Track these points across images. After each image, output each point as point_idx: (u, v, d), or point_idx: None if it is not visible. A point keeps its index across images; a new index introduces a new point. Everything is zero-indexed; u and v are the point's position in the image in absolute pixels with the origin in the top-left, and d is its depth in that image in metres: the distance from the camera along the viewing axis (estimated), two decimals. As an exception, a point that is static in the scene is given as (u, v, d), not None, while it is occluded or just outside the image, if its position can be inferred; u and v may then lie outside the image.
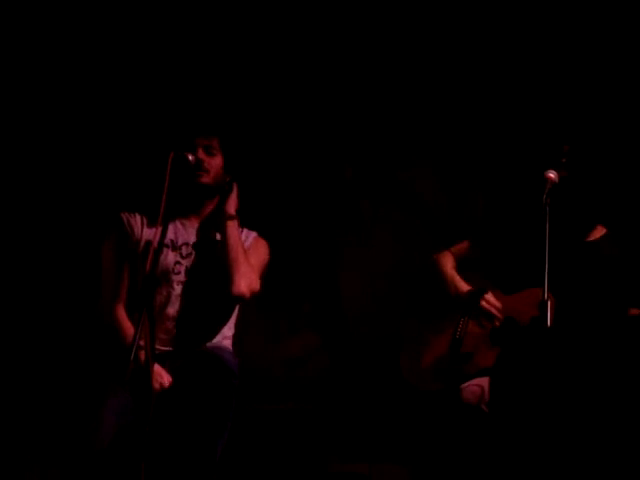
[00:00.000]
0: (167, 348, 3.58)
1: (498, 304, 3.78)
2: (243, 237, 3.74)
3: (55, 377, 4.49)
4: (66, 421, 4.21)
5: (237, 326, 3.76)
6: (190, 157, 3.46)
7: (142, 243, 3.64)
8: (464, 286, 3.85)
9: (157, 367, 3.41)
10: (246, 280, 3.58)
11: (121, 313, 3.59)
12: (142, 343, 3.22)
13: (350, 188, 4.81)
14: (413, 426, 4.32)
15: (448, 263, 3.93)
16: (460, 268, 3.93)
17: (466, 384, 3.61)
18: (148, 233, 3.64)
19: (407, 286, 4.22)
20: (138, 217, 3.68)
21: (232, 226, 3.61)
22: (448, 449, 3.68)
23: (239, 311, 3.77)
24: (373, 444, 4.52)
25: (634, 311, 3.67)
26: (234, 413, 3.40)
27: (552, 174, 3.55)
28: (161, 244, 3.31)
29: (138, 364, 3.40)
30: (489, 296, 3.80)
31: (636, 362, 3.43)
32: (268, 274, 4.60)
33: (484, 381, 3.58)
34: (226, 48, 4.71)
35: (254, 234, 3.83)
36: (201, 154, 3.60)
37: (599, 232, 3.83)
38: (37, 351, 4.54)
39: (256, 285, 3.63)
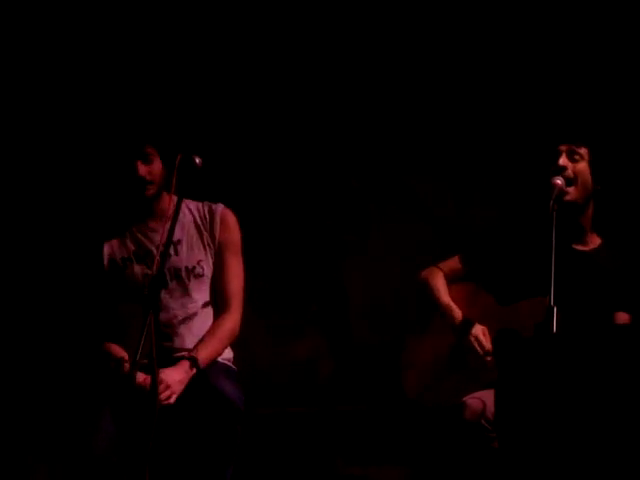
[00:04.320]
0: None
1: (484, 339, 3.68)
2: (206, 216, 3.65)
3: (59, 382, 4.48)
4: (68, 425, 4.21)
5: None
6: (197, 160, 3.38)
7: (106, 261, 3.59)
8: (458, 315, 3.75)
9: (170, 379, 3.38)
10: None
11: (108, 346, 3.54)
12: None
13: (356, 193, 4.81)
14: (417, 430, 4.31)
15: (439, 283, 3.83)
16: (450, 282, 3.85)
17: (469, 397, 3.53)
18: (108, 249, 3.60)
19: (408, 297, 4.19)
20: (97, 239, 3.61)
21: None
22: (450, 457, 3.64)
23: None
24: (378, 447, 4.51)
25: (621, 315, 3.63)
26: (238, 450, 3.36)
27: (559, 180, 3.56)
28: (168, 244, 3.28)
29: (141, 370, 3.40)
30: (476, 330, 3.70)
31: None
32: (273, 277, 4.62)
33: (487, 394, 3.49)
34: (228, 63, 4.71)
35: (220, 209, 3.68)
36: (141, 168, 3.50)
37: (595, 241, 3.78)
38: (40, 355, 4.53)
39: (239, 323, 3.64)
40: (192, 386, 3.44)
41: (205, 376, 3.48)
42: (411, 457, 4.37)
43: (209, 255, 3.64)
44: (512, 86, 4.60)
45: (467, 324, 3.72)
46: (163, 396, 3.33)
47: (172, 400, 3.36)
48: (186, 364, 3.46)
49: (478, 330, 3.68)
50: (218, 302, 3.66)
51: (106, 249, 3.60)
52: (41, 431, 4.40)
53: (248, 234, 3.78)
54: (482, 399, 3.49)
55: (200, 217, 3.67)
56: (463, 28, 4.62)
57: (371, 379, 4.62)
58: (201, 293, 3.62)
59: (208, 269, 3.63)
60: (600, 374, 3.25)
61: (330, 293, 4.79)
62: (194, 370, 3.45)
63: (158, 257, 3.36)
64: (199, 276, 3.60)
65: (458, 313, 3.75)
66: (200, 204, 3.70)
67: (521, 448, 3.23)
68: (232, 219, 3.69)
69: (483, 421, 3.45)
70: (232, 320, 3.62)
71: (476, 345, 3.67)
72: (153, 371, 3.18)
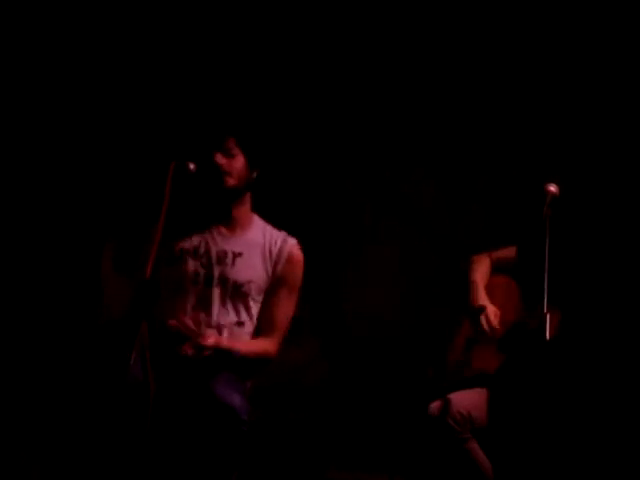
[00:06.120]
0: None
1: (494, 319, 3.74)
2: (277, 246, 3.67)
3: (59, 382, 4.48)
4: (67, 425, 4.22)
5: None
6: (191, 166, 3.38)
7: (176, 250, 3.60)
8: (480, 293, 3.81)
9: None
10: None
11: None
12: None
13: (352, 198, 4.81)
14: (411, 435, 4.32)
15: (480, 266, 3.88)
16: (495, 270, 3.90)
17: (452, 395, 3.58)
18: (183, 241, 3.60)
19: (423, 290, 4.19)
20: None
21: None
22: (438, 465, 3.67)
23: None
24: (372, 453, 4.52)
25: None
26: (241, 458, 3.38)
27: (553, 187, 3.56)
28: (158, 253, 3.27)
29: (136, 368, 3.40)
30: (489, 309, 3.75)
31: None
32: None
33: (463, 395, 3.57)
34: (225, 63, 4.73)
35: (289, 245, 3.70)
36: (219, 158, 3.56)
37: None
38: (36, 349, 4.54)
39: (275, 352, 3.68)
40: (195, 395, 3.42)
41: (208, 387, 3.43)
42: (406, 463, 4.38)
43: (263, 282, 3.64)
44: (513, 96, 4.62)
45: (479, 310, 3.77)
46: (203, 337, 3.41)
47: (208, 342, 3.41)
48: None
49: (490, 310, 3.73)
50: (262, 327, 3.65)
51: (174, 238, 3.59)
52: (41, 431, 4.41)
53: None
54: (450, 397, 3.54)
55: (270, 245, 3.67)
56: (458, 33, 4.64)
57: (366, 384, 4.63)
58: (238, 312, 3.62)
59: (256, 294, 3.63)
60: (592, 379, 3.29)
61: (325, 299, 4.79)
62: (225, 347, 3.49)
63: (151, 262, 3.34)
64: (243, 295, 3.60)
65: (481, 292, 3.80)
66: (276, 234, 3.72)
67: (514, 451, 3.28)
68: (299, 257, 3.70)
69: (450, 420, 3.49)
70: (271, 344, 3.65)
71: (484, 322, 3.71)
72: (146, 373, 3.19)
